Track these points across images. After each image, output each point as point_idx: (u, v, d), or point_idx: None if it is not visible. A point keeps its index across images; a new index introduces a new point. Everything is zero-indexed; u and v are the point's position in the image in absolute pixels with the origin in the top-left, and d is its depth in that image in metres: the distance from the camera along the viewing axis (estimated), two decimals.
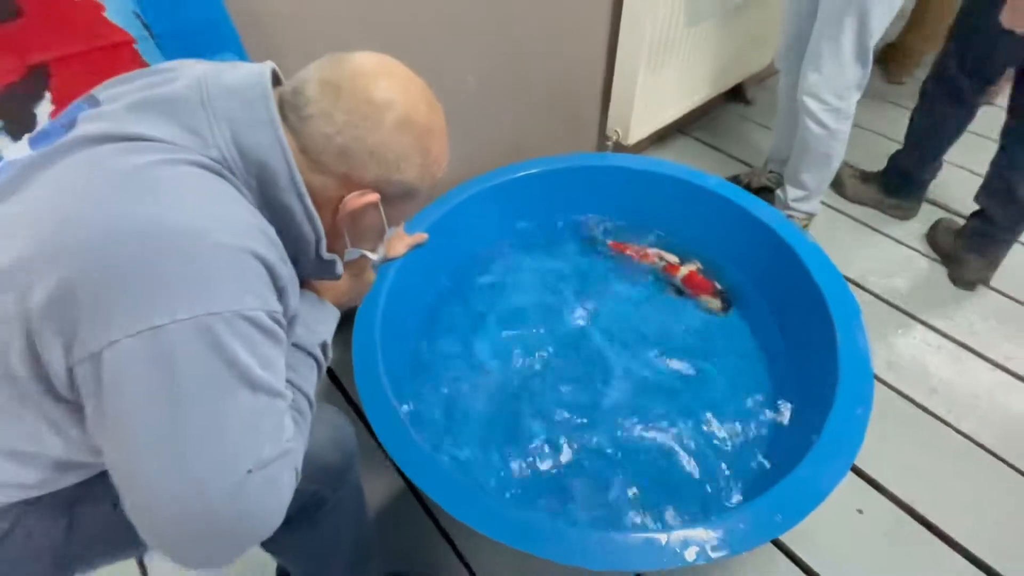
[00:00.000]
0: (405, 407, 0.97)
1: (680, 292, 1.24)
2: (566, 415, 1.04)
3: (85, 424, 0.43)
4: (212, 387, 0.40)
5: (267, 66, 0.52)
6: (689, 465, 0.97)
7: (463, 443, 1.01)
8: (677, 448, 0.99)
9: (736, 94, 1.98)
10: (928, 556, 0.94)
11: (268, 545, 0.66)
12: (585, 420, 1.03)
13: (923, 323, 1.27)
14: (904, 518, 0.98)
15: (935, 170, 1.47)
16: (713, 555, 0.68)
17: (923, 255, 1.44)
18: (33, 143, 0.46)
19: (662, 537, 0.70)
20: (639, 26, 1.27)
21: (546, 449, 1.00)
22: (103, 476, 0.52)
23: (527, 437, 1.01)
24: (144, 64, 0.73)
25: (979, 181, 1.30)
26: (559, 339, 1.16)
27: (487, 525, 0.71)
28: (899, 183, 1.52)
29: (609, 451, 0.99)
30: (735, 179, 1.58)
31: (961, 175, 1.62)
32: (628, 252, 1.29)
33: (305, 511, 0.61)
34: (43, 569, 0.55)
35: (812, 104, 1.23)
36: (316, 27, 0.89)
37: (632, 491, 0.94)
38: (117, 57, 0.70)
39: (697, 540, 0.70)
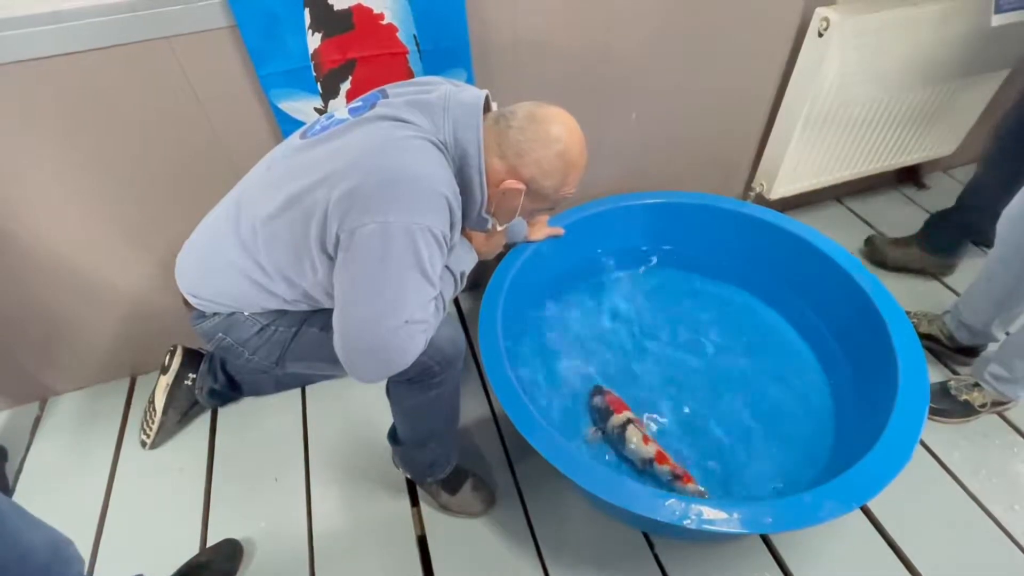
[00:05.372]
0: (510, 352, 1.23)
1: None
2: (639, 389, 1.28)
3: (331, 270, 0.76)
4: (403, 262, 0.71)
5: (483, 92, 0.82)
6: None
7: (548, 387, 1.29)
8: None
9: (911, 174, 1.94)
10: None
11: (393, 396, 0.97)
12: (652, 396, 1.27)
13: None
14: None
15: None
16: (703, 526, 0.84)
17: None
18: (351, 111, 0.81)
19: (675, 503, 0.87)
20: (801, 96, 1.39)
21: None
22: (319, 312, 0.86)
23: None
24: (410, 68, 1.08)
25: None
26: (645, 330, 1.40)
27: (541, 444, 0.94)
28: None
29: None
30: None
31: None
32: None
33: (421, 376, 0.88)
34: (273, 355, 0.91)
35: None
36: (524, 60, 1.19)
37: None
38: (396, 62, 1.06)
39: (695, 512, 0.86)
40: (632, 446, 1.11)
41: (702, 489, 1.06)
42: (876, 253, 1.64)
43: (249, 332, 0.87)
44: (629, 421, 1.14)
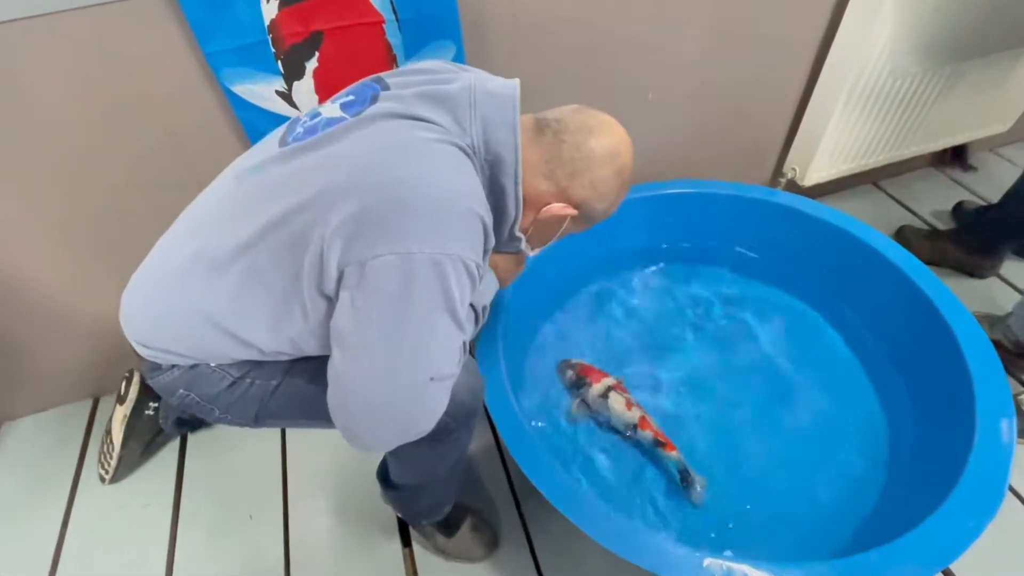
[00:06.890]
0: (514, 381, 1.07)
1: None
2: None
3: (329, 315, 0.59)
4: (430, 303, 0.54)
5: (516, 82, 0.65)
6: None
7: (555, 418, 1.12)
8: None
9: (956, 155, 1.75)
10: None
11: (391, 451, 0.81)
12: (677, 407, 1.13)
13: None
14: None
15: None
16: None
17: None
18: (344, 108, 0.63)
19: (713, 563, 0.72)
20: (844, 66, 1.21)
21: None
22: (305, 360, 0.69)
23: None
24: (387, 41, 0.91)
25: None
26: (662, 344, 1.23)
27: (550, 490, 0.79)
28: None
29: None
30: None
31: None
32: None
33: (434, 435, 0.68)
34: (249, 413, 0.73)
35: None
36: (525, 31, 1.02)
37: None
38: (370, 34, 0.89)
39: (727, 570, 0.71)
40: (616, 413, 1.07)
41: (685, 462, 1.00)
42: (906, 246, 1.46)
43: (218, 387, 0.70)
44: (610, 388, 1.09)
